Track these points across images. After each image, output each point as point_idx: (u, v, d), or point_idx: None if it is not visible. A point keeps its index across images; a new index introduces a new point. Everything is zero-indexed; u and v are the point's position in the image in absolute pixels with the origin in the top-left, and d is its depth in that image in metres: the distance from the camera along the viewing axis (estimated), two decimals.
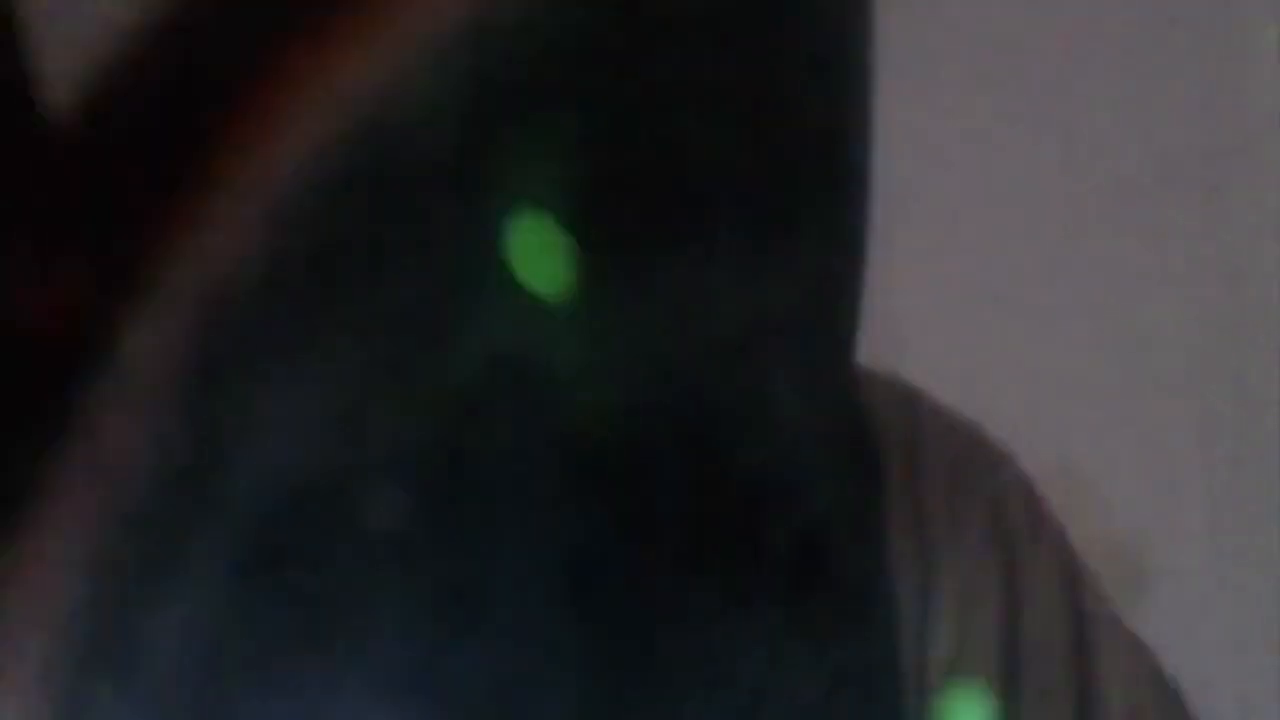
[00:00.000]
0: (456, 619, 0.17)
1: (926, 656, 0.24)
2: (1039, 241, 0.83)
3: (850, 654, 0.21)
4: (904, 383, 0.27)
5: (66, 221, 0.18)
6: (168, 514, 0.16)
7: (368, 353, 0.17)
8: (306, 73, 0.17)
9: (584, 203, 0.18)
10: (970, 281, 0.80)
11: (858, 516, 0.22)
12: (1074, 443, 0.76)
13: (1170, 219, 0.81)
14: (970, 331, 0.78)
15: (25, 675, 0.16)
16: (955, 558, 0.24)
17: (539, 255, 0.18)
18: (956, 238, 0.82)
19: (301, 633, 0.17)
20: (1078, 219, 0.80)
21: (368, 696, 0.17)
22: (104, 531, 0.16)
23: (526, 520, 0.17)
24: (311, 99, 0.17)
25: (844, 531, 0.22)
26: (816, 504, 0.20)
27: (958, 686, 0.23)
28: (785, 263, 0.20)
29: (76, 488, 0.16)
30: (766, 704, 0.19)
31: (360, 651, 0.17)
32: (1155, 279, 0.78)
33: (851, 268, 0.22)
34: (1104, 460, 0.77)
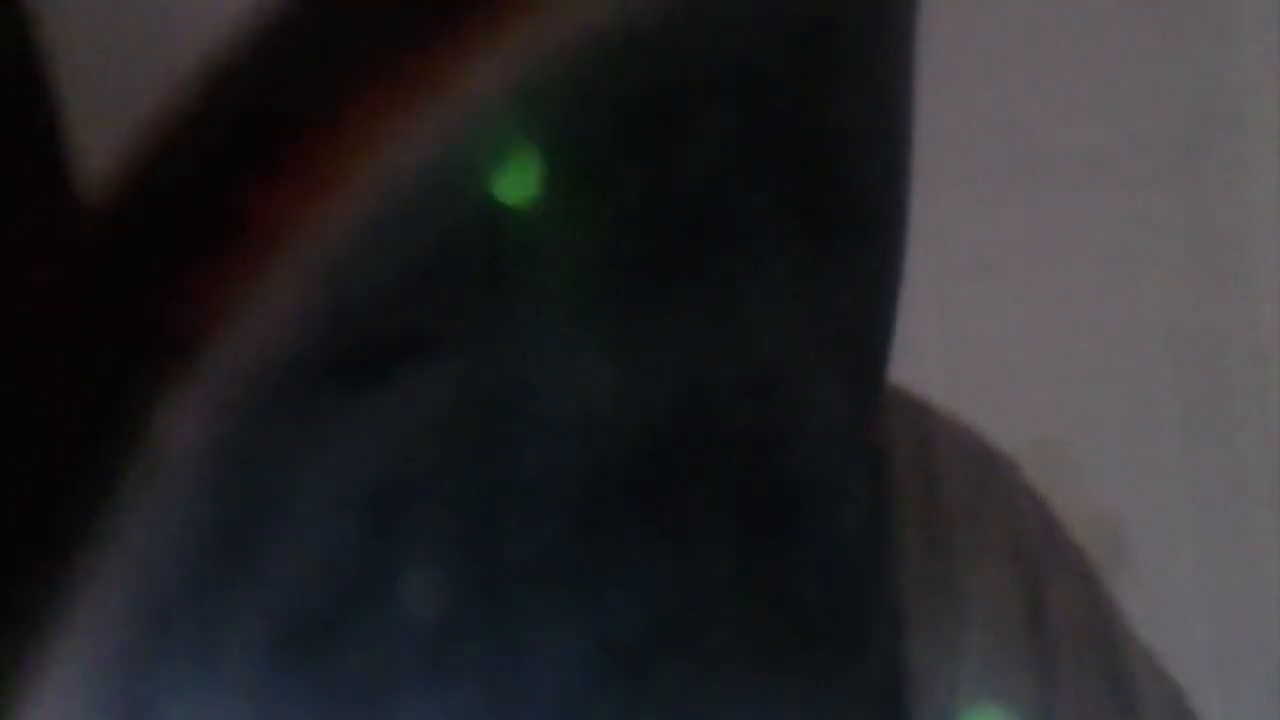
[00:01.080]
0: (494, 703, 0.17)
1: (958, 673, 0.24)
2: (1020, 221, 0.83)
3: (862, 685, 0.21)
4: (910, 393, 0.27)
5: (100, 291, 0.18)
6: (196, 593, 0.16)
7: (403, 420, 0.17)
8: (358, 136, 0.16)
9: (623, 229, 0.18)
10: (949, 261, 0.80)
11: (877, 536, 0.22)
12: (1053, 420, 0.77)
13: (1155, 205, 0.82)
14: (950, 311, 0.79)
15: None
16: (978, 573, 0.24)
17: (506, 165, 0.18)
18: (936, 218, 0.82)
19: (332, 714, 0.17)
20: (1059, 199, 0.81)
21: None
22: (130, 614, 0.16)
23: (561, 584, 0.17)
24: (367, 163, 0.16)
25: (866, 553, 0.22)
26: (845, 529, 0.21)
27: (989, 702, 0.23)
28: (824, 293, 0.21)
29: (104, 577, 0.16)
30: None
31: None
32: (1136, 258, 0.79)
33: (888, 300, 0.22)
34: (1083, 438, 0.78)
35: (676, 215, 0.18)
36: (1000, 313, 0.84)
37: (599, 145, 0.18)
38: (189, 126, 0.17)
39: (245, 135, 0.17)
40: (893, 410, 0.25)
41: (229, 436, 0.16)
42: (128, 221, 0.17)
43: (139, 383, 0.16)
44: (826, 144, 0.20)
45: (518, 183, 0.17)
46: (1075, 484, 0.76)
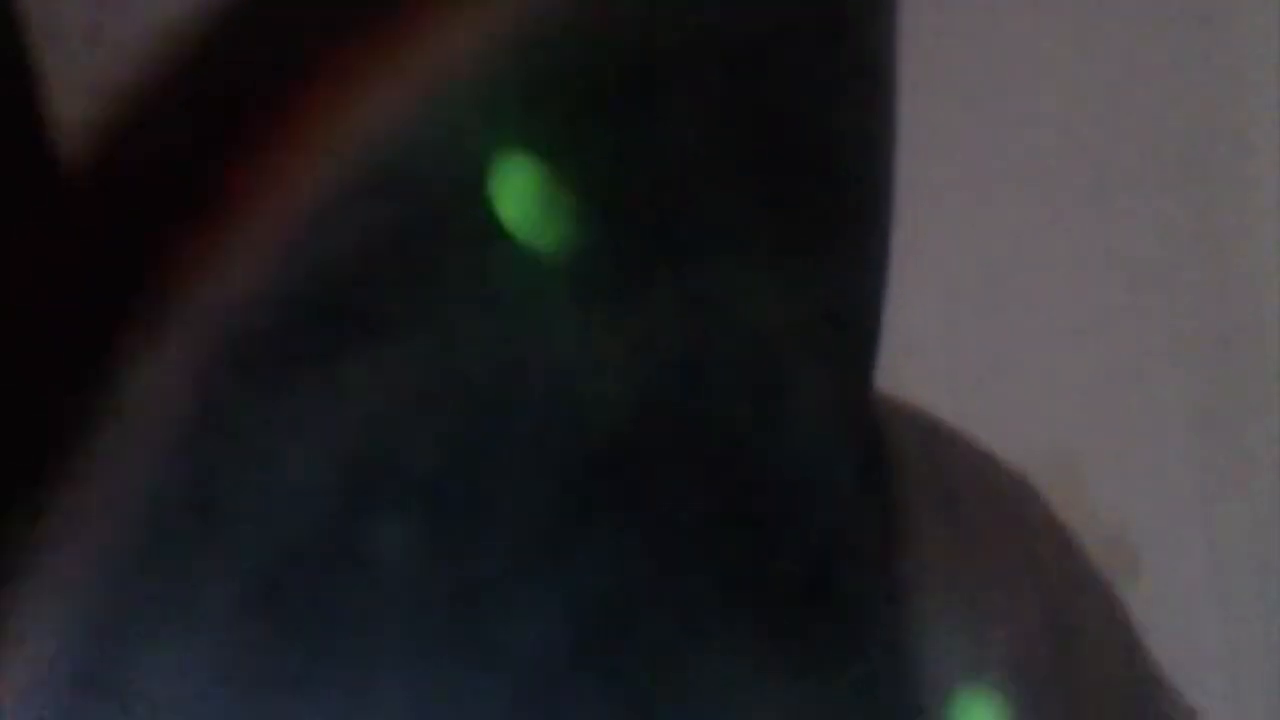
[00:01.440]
0: (469, 663, 0.17)
1: (978, 688, 0.23)
2: (1028, 234, 0.83)
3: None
4: (922, 413, 0.27)
5: (76, 255, 0.18)
6: (168, 554, 0.16)
7: (381, 391, 0.17)
8: (328, 107, 0.17)
9: (597, 206, 0.18)
10: (958, 273, 0.80)
11: (870, 519, 0.22)
12: (1064, 433, 0.76)
13: (1162, 211, 0.82)
14: (958, 322, 0.79)
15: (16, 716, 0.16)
16: (998, 590, 0.24)
17: (527, 202, 0.17)
18: (943, 230, 0.82)
19: (304, 672, 0.17)
20: (1067, 211, 0.80)
21: None
22: (102, 572, 0.16)
23: (539, 553, 0.17)
24: (334, 135, 0.17)
25: (856, 536, 0.21)
26: (832, 510, 0.20)
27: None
28: (806, 274, 0.20)
29: (73, 527, 0.16)
30: None
31: (365, 691, 0.17)
32: (1145, 272, 0.78)
33: (873, 283, 0.22)
34: (1094, 450, 0.77)
35: (652, 192, 0.18)
36: (1006, 325, 0.84)
37: (571, 120, 0.18)
38: (163, 97, 0.17)
39: (217, 105, 0.17)
40: (905, 430, 0.25)
41: (203, 398, 0.16)
42: (106, 191, 0.17)
43: (115, 344, 0.16)
44: (805, 122, 0.20)
45: (491, 156, 0.17)
46: (1086, 498, 0.76)
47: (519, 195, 0.17)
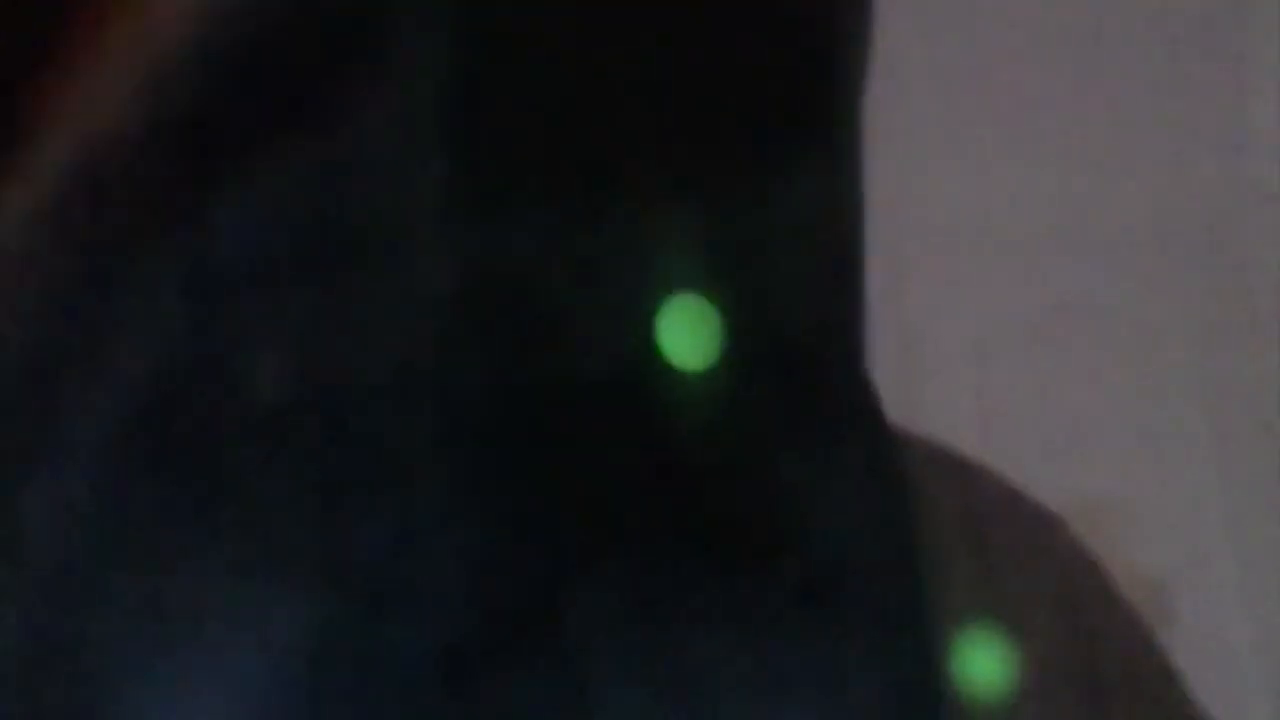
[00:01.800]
0: (346, 495, 0.16)
1: None
2: (1060, 280, 0.83)
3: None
4: (955, 452, 0.26)
5: None
6: (38, 391, 0.16)
7: (254, 223, 0.16)
8: None
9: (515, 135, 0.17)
10: (990, 319, 0.80)
11: (893, 574, 0.22)
12: (1096, 478, 0.76)
13: (1191, 256, 0.82)
14: (991, 368, 0.79)
15: None
16: (1029, 624, 0.24)
17: (686, 333, 0.17)
18: (976, 276, 0.83)
19: (183, 510, 0.16)
20: (1098, 264, 0.81)
21: (250, 573, 0.16)
22: None
23: (424, 392, 0.16)
24: None
25: (871, 584, 0.21)
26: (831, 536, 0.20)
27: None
28: (775, 186, 0.19)
29: None
30: None
31: (243, 527, 0.16)
32: (1173, 321, 0.79)
33: (847, 199, 0.20)
34: (1126, 499, 0.77)
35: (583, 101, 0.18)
36: (1040, 376, 0.84)
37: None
38: None
39: None
40: (931, 463, 0.24)
41: (68, 231, 0.16)
42: None
43: None
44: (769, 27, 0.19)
45: None
46: (1120, 545, 0.76)
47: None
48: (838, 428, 0.20)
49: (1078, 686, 0.23)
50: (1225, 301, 0.80)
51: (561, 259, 0.17)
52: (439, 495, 0.16)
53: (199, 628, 0.16)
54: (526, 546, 0.16)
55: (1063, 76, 0.71)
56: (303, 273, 0.16)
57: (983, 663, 0.22)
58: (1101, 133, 0.75)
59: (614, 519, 0.17)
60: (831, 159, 0.20)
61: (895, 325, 0.86)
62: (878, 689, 0.20)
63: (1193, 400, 0.79)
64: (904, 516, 0.21)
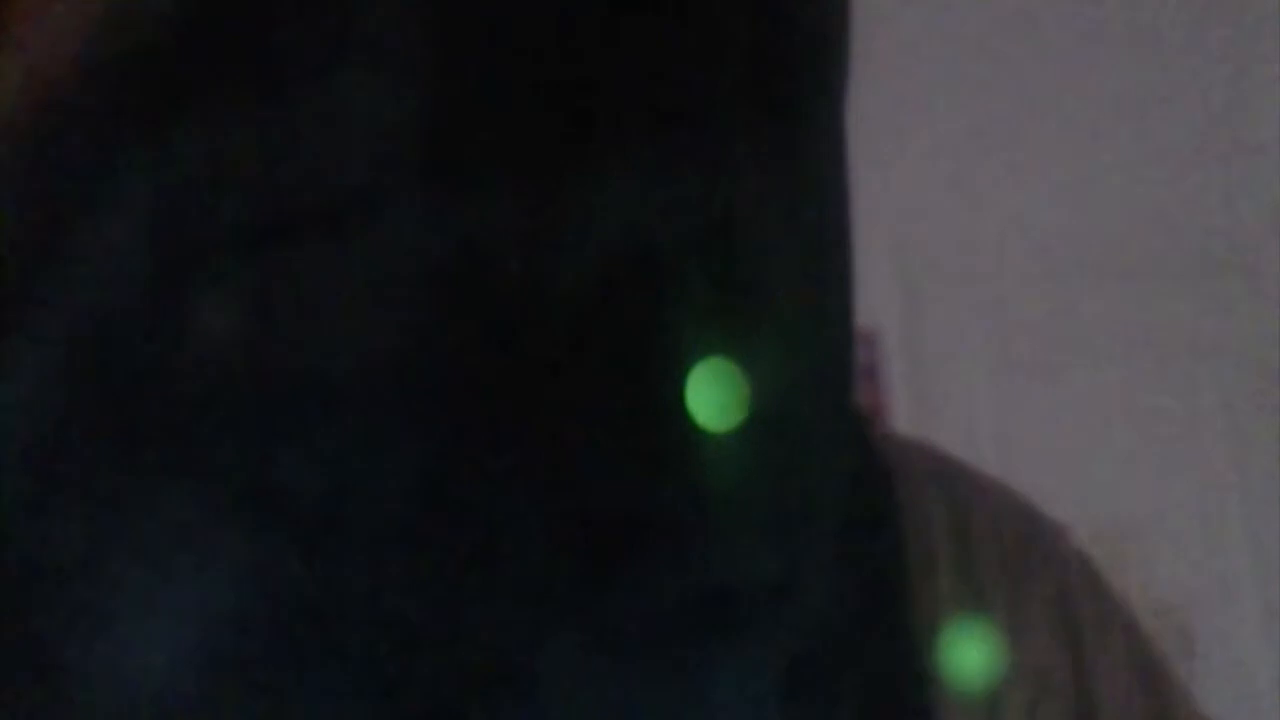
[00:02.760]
0: (290, 425, 0.16)
1: None
2: (1077, 304, 0.83)
3: None
4: (944, 454, 0.26)
5: None
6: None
7: (205, 159, 0.16)
8: None
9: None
10: (1008, 344, 0.80)
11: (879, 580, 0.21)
12: (1117, 505, 0.76)
13: (1210, 290, 0.82)
14: (1008, 395, 0.79)
15: None
16: (1020, 655, 0.23)
17: (710, 390, 0.17)
18: (993, 303, 0.83)
19: (125, 446, 0.16)
20: (1120, 292, 0.81)
21: (193, 507, 0.16)
22: None
23: (371, 329, 0.16)
24: None
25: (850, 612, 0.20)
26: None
27: None
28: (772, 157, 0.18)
29: None
30: None
31: (187, 461, 0.16)
32: (1196, 349, 0.78)
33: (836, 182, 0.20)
34: (1147, 527, 0.77)
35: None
36: (1058, 401, 0.84)
37: None
38: None
39: None
40: (925, 472, 0.24)
41: (25, 165, 0.16)
42: None
43: None
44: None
45: None
46: (1141, 574, 0.75)
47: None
48: (827, 468, 0.20)
49: (1064, 682, 0.23)
50: (1246, 323, 0.80)
51: (531, 231, 0.16)
52: (377, 432, 0.16)
53: (141, 564, 0.16)
54: (453, 480, 0.16)
55: (1080, 109, 0.71)
56: (254, 208, 0.16)
57: (972, 667, 0.22)
58: (1117, 159, 0.75)
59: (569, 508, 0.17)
60: (800, 142, 0.20)
61: (913, 351, 0.86)
62: None
63: (1213, 424, 0.79)
64: (897, 571, 0.21)
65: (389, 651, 0.16)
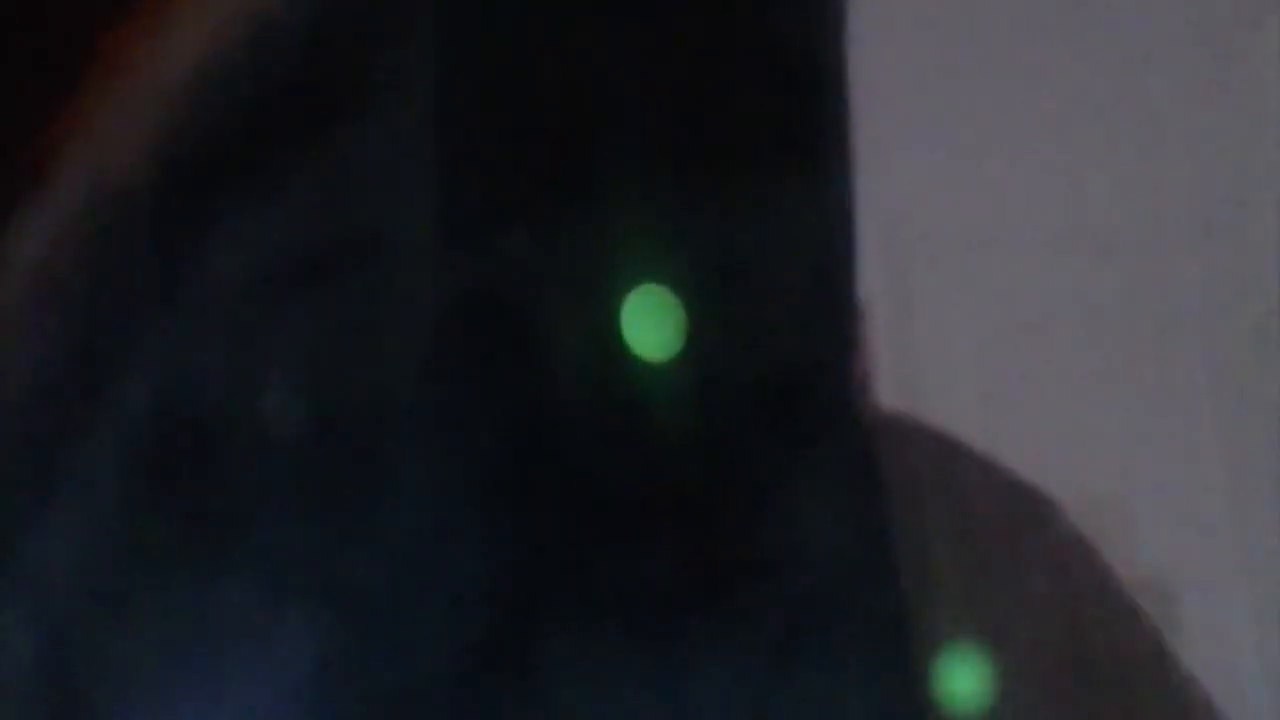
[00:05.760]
0: (351, 522, 0.16)
1: (998, 707, 0.23)
2: (1064, 279, 0.84)
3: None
4: (942, 431, 0.26)
5: None
6: (53, 423, 0.16)
7: (262, 254, 0.16)
8: None
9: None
10: (994, 319, 0.81)
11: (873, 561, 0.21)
12: (1100, 475, 0.77)
13: (1196, 255, 0.82)
14: (992, 363, 0.79)
15: None
16: (1017, 604, 0.24)
17: (647, 321, 0.17)
18: (976, 269, 0.83)
19: (189, 536, 0.16)
20: (1104, 262, 0.81)
21: (258, 600, 0.16)
22: None
23: (431, 426, 0.17)
24: (213, 5, 0.16)
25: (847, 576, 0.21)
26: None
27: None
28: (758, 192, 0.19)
29: None
30: None
31: (251, 556, 0.16)
32: (1184, 314, 0.79)
33: (839, 208, 0.21)
34: (1131, 499, 0.78)
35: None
36: (1044, 377, 0.84)
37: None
38: None
39: None
40: (919, 449, 0.24)
41: (77, 251, 0.16)
42: None
43: None
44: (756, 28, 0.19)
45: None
46: (1126, 546, 0.76)
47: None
48: (823, 453, 0.20)
49: (1070, 671, 0.23)
50: (1232, 301, 0.80)
51: (549, 276, 0.17)
52: (435, 517, 0.16)
53: (207, 653, 0.16)
54: (513, 570, 0.17)
55: (1066, 77, 0.71)
56: (302, 292, 0.17)
57: (968, 665, 0.22)
58: (1105, 132, 0.76)
59: (600, 543, 0.17)
60: (818, 175, 0.20)
61: (899, 327, 0.86)
62: (866, 714, 0.20)
63: (1199, 401, 0.80)
64: (889, 544, 0.21)
65: None
